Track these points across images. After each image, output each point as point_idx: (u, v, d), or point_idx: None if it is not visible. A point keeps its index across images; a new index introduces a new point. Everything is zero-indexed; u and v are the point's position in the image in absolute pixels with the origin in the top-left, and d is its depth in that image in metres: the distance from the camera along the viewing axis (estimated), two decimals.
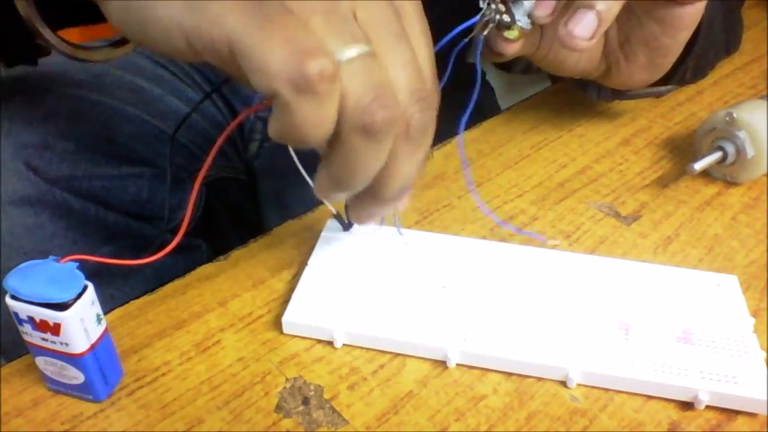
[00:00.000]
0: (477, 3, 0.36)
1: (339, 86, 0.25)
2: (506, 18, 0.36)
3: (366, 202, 0.30)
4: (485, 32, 0.36)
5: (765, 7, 0.68)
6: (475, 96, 0.36)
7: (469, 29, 0.35)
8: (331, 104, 0.25)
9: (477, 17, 0.36)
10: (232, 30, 0.24)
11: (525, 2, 0.35)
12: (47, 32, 0.33)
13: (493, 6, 0.35)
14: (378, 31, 0.26)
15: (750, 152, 0.43)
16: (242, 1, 0.25)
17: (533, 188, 0.45)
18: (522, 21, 0.36)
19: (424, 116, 0.27)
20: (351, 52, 0.25)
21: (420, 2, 0.29)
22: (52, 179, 0.45)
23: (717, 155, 0.43)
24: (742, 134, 0.43)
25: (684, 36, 0.40)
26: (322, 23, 0.25)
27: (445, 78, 0.34)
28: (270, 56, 0.24)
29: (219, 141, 0.31)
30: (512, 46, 0.38)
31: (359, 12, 0.27)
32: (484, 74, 0.63)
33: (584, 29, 0.34)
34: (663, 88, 0.48)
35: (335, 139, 0.26)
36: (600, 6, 0.34)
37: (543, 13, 0.35)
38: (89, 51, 0.35)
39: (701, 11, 0.39)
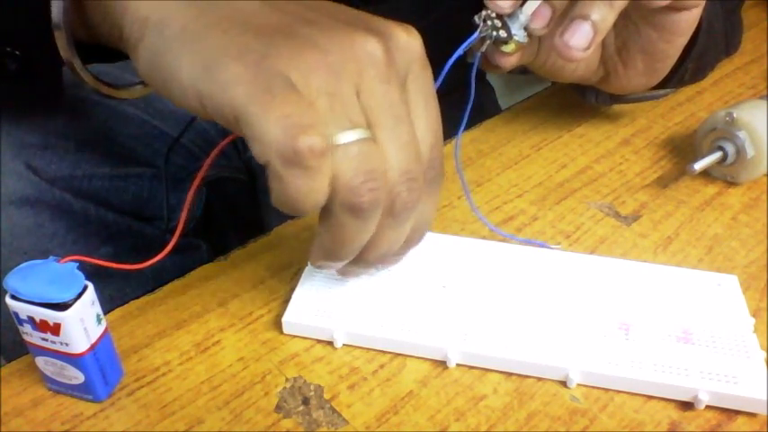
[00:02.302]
0: (475, 6, 0.36)
1: (329, 162, 0.26)
2: (503, 33, 0.35)
3: (352, 263, 0.31)
4: (482, 48, 0.36)
5: (765, 7, 0.68)
6: (468, 110, 0.37)
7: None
8: (321, 178, 0.26)
9: (475, 34, 0.36)
10: (238, 98, 0.26)
11: (521, 15, 0.35)
12: (85, 74, 0.34)
13: (489, 23, 0.35)
14: (378, 113, 0.28)
15: (750, 152, 0.43)
16: (252, 72, 0.26)
17: (533, 188, 0.45)
18: (519, 34, 0.36)
19: (411, 195, 0.28)
20: (348, 137, 0.26)
21: (430, 75, 0.30)
22: (52, 179, 0.45)
23: (717, 155, 0.43)
24: (742, 134, 0.43)
25: (682, 41, 0.41)
26: (325, 105, 0.26)
27: (438, 83, 0.34)
28: (266, 127, 0.25)
29: (219, 147, 0.31)
30: (509, 59, 0.38)
31: (362, 93, 0.27)
32: (484, 74, 0.63)
33: (580, 39, 0.34)
34: (661, 92, 0.48)
35: (326, 213, 0.28)
36: (595, 17, 0.34)
37: (539, 25, 0.35)
38: (121, 90, 0.36)
39: (697, 16, 0.39)
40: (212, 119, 0.28)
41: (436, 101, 0.30)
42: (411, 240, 0.32)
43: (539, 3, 0.35)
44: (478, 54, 0.37)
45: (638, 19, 0.40)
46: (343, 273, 0.34)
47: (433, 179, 0.30)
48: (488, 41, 0.36)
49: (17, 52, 0.33)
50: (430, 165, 0.30)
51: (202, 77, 0.27)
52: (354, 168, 0.26)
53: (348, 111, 0.27)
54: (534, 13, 0.35)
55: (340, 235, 0.29)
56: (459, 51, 0.35)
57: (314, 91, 0.26)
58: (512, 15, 0.35)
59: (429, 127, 0.30)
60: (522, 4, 0.35)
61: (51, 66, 0.33)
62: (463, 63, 0.37)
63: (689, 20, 0.39)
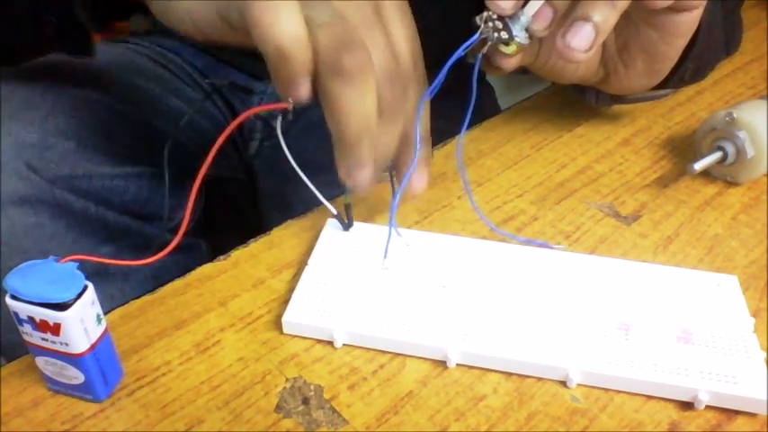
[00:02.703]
0: (476, 6, 0.36)
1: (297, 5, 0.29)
2: (504, 35, 0.35)
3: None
4: (483, 50, 0.36)
5: (765, 7, 0.68)
6: (470, 111, 0.37)
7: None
8: (288, 12, 0.28)
9: (476, 36, 0.35)
10: None
11: (522, 17, 0.35)
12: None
13: (490, 24, 0.35)
14: (352, 18, 0.30)
15: (750, 152, 0.43)
16: None
17: (533, 188, 0.45)
18: (520, 36, 0.35)
19: (394, 94, 0.31)
20: (325, 17, 0.29)
21: (405, 2, 0.33)
22: (52, 179, 0.45)
23: (717, 155, 0.43)
24: (742, 134, 0.43)
25: (682, 42, 0.41)
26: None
27: (438, 83, 0.34)
28: None
29: (218, 142, 0.31)
30: (510, 60, 0.38)
31: (337, 6, 0.30)
32: (484, 74, 0.63)
33: (582, 41, 0.34)
34: (661, 92, 0.48)
35: (322, 94, 0.30)
36: (597, 18, 0.34)
37: (540, 26, 0.35)
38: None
39: (698, 17, 0.39)
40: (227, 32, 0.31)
41: (411, 15, 0.33)
42: (405, 141, 0.34)
43: (540, 4, 0.35)
44: (479, 55, 0.37)
45: (638, 20, 0.40)
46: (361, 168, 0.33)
47: (416, 82, 0.33)
48: (489, 43, 0.36)
49: (53, 19, 0.38)
50: (411, 70, 0.33)
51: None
52: (333, 38, 0.29)
53: (324, 4, 0.30)
54: (536, 15, 0.35)
55: (338, 109, 0.30)
56: (460, 52, 0.35)
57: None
58: (513, 16, 0.35)
59: (406, 37, 0.33)
60: (523, 6, 0.35)
61: (81, 29, 0.39)
62: (463, 63, 0.37)
63: (689, 21, 0.39)
